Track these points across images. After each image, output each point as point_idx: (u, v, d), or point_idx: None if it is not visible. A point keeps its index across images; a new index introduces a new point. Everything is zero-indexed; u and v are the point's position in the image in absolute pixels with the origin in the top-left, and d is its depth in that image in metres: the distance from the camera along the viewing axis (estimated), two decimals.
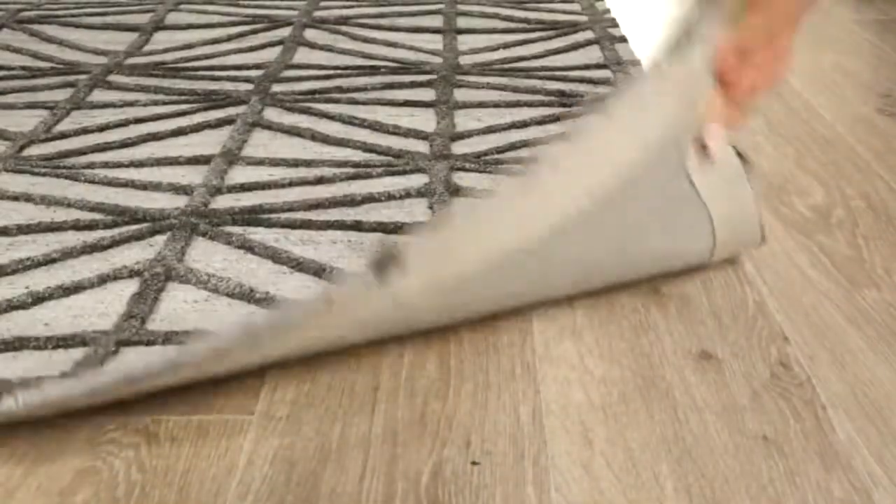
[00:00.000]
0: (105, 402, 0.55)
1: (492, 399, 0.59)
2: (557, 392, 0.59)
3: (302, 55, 1.16)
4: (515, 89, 1.04)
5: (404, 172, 0.86)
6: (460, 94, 1.04)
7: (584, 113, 0.57)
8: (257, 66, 1.12)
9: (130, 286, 0.70)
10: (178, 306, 0.67)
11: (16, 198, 0.82)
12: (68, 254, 0.74)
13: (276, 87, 1.06)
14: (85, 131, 0.96)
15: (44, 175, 0.86)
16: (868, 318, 0.67)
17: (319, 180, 0.85)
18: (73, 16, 1.33)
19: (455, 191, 0.82)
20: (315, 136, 0.93)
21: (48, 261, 0.73)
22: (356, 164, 0.88)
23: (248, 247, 0.74)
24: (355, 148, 0.91)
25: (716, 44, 0.63)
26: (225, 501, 0.52)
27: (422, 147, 0.91)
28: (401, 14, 1.32)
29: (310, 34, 1.24)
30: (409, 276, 0.53)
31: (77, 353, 0.62)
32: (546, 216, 0.58)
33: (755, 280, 0.71)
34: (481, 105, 1.01)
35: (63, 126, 0.97)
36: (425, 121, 0.97)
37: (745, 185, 0.69)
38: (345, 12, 1.33)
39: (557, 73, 1.09)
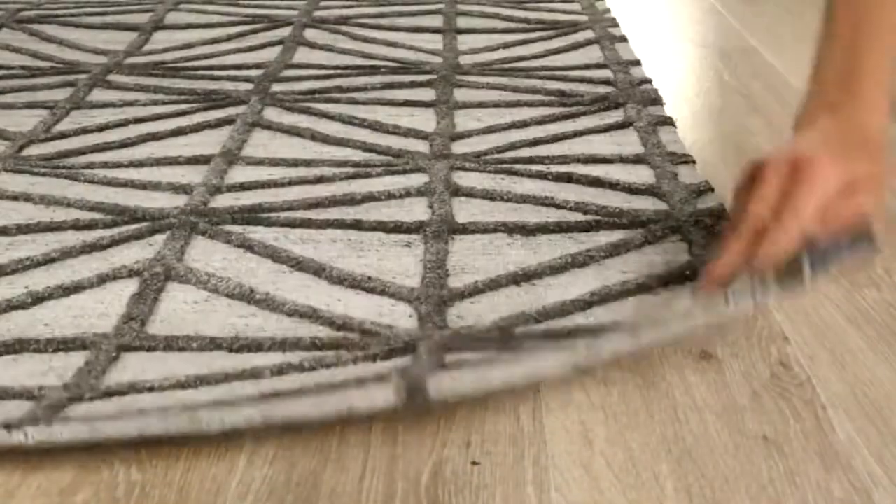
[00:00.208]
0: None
1: (492, 399, 0.59)
2: (557, 392, 0.59)
3: (302, 55, 1.16)
4: (515, 89, 1.04)
5: (404, 172, 0.86)
6: (460, 94, 1.03)
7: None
8: (257, 66, 1.12)
9: (130, 286, 0.70)
10: (177, 307, 0.67)
11: (15, 197, 0.82)
12: (68, 253, 0.74)
13: (276, 87, 1.06)
14: (84, 131, 0.96)
15: (43, 175, 0.86)
16: (868, 318, 0.67)
17: (319, 179, 0.85)
18: (72, 15, 1.33)
19: (455, 190, 0.82)
20: (315, 136, 0.93)
21: (48, 260, 0.73)
22: (356, 164, 0.88)
23: (247, 246, 0.74)
24: (355, 147, 0.91)
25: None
26: (225, 501, 0.52)
27: (422, 147, 0.91)
28: (401, 14, 1.32)
29: (310, 34, 1.24)
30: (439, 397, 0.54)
31: (77, 358, 0.61)
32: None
33: None
34: (481, 105, 1.00)
35: (63, 126, 0.97)
36: (425, 121, 0.97)
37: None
38: (345, 12, 1.33)
39: (557, 73, 1.09)
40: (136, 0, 1.40)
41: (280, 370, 0.59)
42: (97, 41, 1.22)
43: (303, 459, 0.54)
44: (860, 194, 0.62)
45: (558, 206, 0.79)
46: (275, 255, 0.73)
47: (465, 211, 0.79)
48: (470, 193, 0.82)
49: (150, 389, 0.58)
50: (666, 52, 1.21)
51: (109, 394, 0.57)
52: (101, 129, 0.96)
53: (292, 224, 0.77)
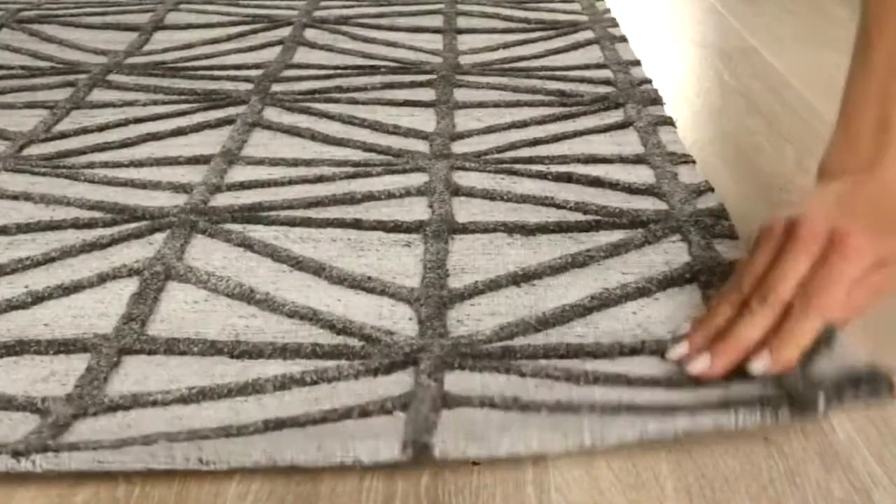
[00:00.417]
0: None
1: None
2: None
3: (302, 55, 1.16)
4: (515, 89, 1.04)
5: (404, 171, 0.86)
6: (460, 94, 1.03)
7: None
8: (257, 66, 1.12)
9: (130, 285, 0.70)
10: (177, 307, 0.67)
11: (15, 197, 0.82)
12: (67, 252, 0.74)
13: (276, 87, 1.06)
14: (84, 131, 0.96)
15: (43, 174, 0.86)
16: (868, 317, 0.67)
17: (319, 179, 0.85)
18: (72, 15, 1.33)
19: (455, 190, 0.82)
20: (315, 136, 0.93)
21: (47, 260, 0.73)
22: (356, 164, 0.88)
23: (247, 244, 0.74)
24: (355, 147, 0.91)
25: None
26: (225, 501, 0.52)
27: (422, 146, 0.91)
28: (401, 14, 1.32)
29: (310, 34, 1.24)
30: None
31: (78, 362, 0.61)
32: None
33: None
34: (481, 105, 1.00)
35: (63, 126, 0.97)
36: (425, 120, 0.97)
37: None
38: (345, 12, 1.33)
39: (557, 73, 1.09)
40: (137, 0, 1.40)
41: (283, 384, 0.59)
42: (97, 41, 1.22)
43: None
44: (884, 275, 0.57)
45: (558, 206, 0.79)
46: (275, 255, 0.73)
47: (465, 211, 0.79)
48: (470, 193, 0.82)
49: (154, 404, 0.58)
50: (666, 52, 1.21)
51: (113, 408, 0.57)
52: (101, 129, 0.96)
53: (292, 223, 0.77)
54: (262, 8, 1.36)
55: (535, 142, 0.91)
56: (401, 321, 0.66)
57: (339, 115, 0.98)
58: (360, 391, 0.58)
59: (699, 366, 0.54)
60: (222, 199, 0.82)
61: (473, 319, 0.66)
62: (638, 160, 0.87)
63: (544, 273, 0.70)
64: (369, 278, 0.70)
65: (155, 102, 1.02)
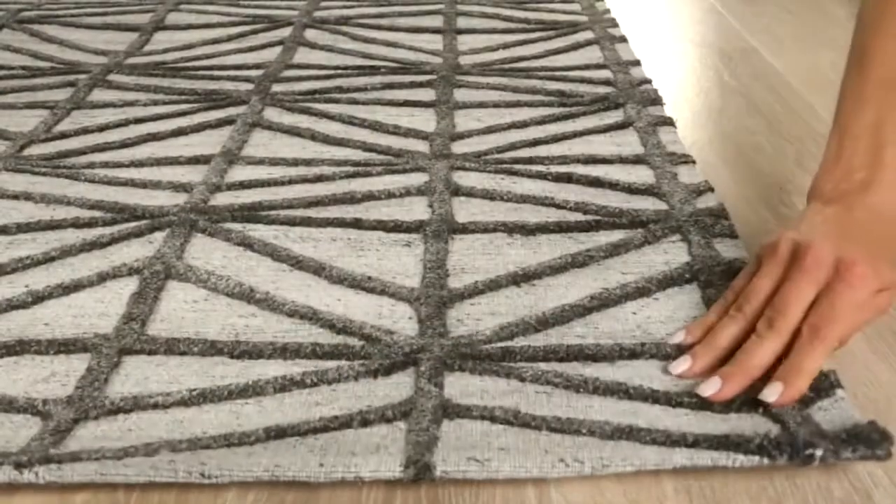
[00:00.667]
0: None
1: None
2: None
3: (302, 55, 1.16)
4: (515, 89, 1.04)
5: (404, 171, 0.86)
6: (460, 94, 1.03)
7: None
8: (257, 66, 1.12)
9: (130, 285, 0.70)
10: (177, 306, 0.67)
11: (15, 197, 0.82)
12: (68, 252, 0.74)
13: (276, 87, 1.06)
14: (85, 131, 0.96)
15: (44, 174, 0.86)
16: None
17: (319, 178, 0.85)
18: (73, 16, 1.33)
19: (455, 190, 0.82)
20: (315, 136, 0.93)
21: (48, 259, 0.73)
22: (356, 163, 0.88)
23: (247, 244, 0.74)
24: (355, 147, 0.91)
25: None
26: (225, 501, 0.52)
27: (422, 146, 0.91)
28: (401, 14, 1.32)
29: (310, 34, 1.24)
30: None
31: (79, 362, 0.61)
32: None
33: None
34: (481, 105, 1.00)
35: (63, 126, 0.97)
36: (425, 121, 0.97)
37: None
38: (345, 12, 1.33)
39: (557, 73, 1.09)
40: (137, 0, 1.40)
41: (283, 387, 0.59)
42: (98, 41, 1.22)
43: None
44: (884, 298, 0.58)
45: (558, 206, 0.79)
46: (274, 254, 0.73)
47: (465, 211, 0.79)
48: (470, 193, 0.82)
49: (154, 406, 0.57)
50: (666, 52, 1.21)
51: (114, 411, 0.57)
52: (102, 129, 0.96)
53: (292, 222, 0.77)
54: (262, 8, 1.36)
55: (535, 142, 0.91)
56: (401, 321, 0.66)
57: (339, 116, 0.98)
58: (361, 393, 0.58)
59: (710, 389, 0.55)
60: (222, 199, 0.82)
61: (473, 319, 0.66)
62: (638, 160, 0.87)
63: (544, 273, 0.70)
64: (369, 278, 0.70)
65: (155, 102, 1.03)
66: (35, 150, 0.92)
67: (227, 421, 0.56)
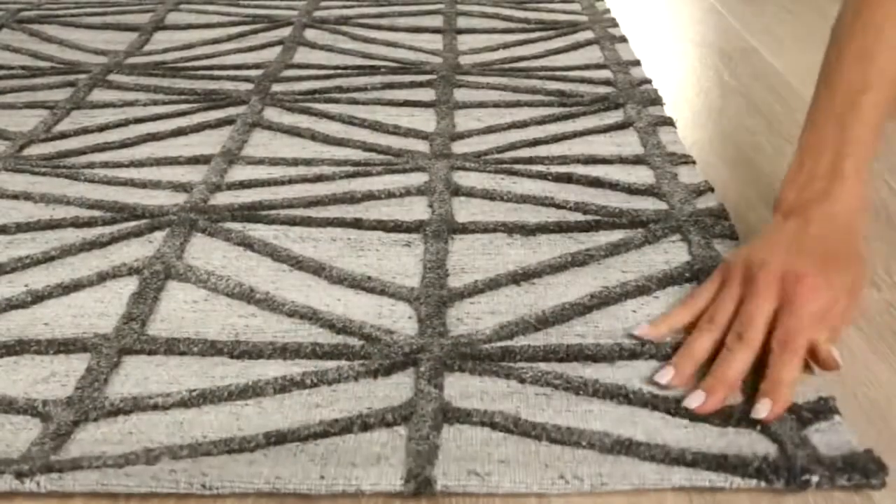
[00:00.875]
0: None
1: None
2: None
3: (302, 55, 1.16)
4: (515, 89, 1.04)
5: (404, 171, 0.86)
6: (460, 94, 1.03)
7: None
8: (257, 66, 1.12)
9: (130, 284, 0.70)
10: (177, 306, 0.67)
11: (15, 196, 0.82)
12: (67, 251, 0.74)
13: (276, 87, 1.06)
14: (85, 131, 0.96)
15: (43, 174, 0.86)
16: (868, 318, 0.67)
17: (319, 178, 0.85)
18: (73, 16, 1.33)
19: (455, 190, 0.82)
20: (315, 136, 0.93)
21: (47, 259, 0.73)
22: (356, 163, 0.88)
23: (247, 243, 0.74)
24: (355, 147, 0.91)
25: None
26: (225, 501, 0.52)
27: (422, 146, 0.91)
28: (401, 14, 1.32)
29: (310, 34, 1.24)
30: None
31: (78, 362, 0.61)
32: None
33: None
34: (481, 105, 1.00)
35: (63, 126, 0.97)
36: (425, 121, 0.97)
37: None
38: (345, 12, 1.33)
39: (557, 73, 1.09)
40: (137, 0, 1.40)
41: (283, 387, 0.59)
42: (97, 41, 1.22)
43: None
44: (841, 308, 0.60)
45: (558, 206, 0.79)
46: (274, 254, 0.73)
47: (465, 210, 0.79)
48: (470, 193, 0.82)
49: (154, 408, 0.57)
50: (666, 52, 1.21)
51: (114, 412, 0.57)
52: (102, 129, 0.96)
53: (292, 222, 0.77)
54: (262, 8, 1.36)
55: (535, 142, 0.91)
56: (400, 320, 0.65)
57: (339, 116, 0.98)
58: (361, 394, 0.58)
59: (695, 402, 0.56)
60: (222, 198, 0.82)
61: (473, 318, 0.66)
62: (638, 160, 0.87)
63: (544, 272, 0.70)
64: (369, 278, 0.70)
65: (155, 102, 1.02)
66: (35, 150, 0.92)
67: (227, 423, 0.56)
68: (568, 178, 0.84)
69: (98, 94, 1.05)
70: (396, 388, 0.59)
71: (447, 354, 0.61)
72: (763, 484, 0.52)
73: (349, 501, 0.52)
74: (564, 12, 1.32)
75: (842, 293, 0.61)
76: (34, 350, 0.63)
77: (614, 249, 0.73)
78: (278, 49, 1.18)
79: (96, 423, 0.56)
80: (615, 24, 1.26)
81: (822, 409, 0.56)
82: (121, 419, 0.57)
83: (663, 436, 0.55)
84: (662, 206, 0.79)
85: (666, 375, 0.59)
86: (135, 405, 0.57)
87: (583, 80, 1.06)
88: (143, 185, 0.84)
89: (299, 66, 1.12)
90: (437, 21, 1.29)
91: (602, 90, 1.04)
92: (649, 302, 0.67)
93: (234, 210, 0.79)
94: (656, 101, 1.00)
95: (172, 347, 0.63)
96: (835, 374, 0.61)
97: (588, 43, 1.19)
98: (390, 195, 0.81)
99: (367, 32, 1.25)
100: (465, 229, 0.76)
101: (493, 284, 0.69)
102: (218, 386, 0.59)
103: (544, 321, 0.64)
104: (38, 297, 0.68)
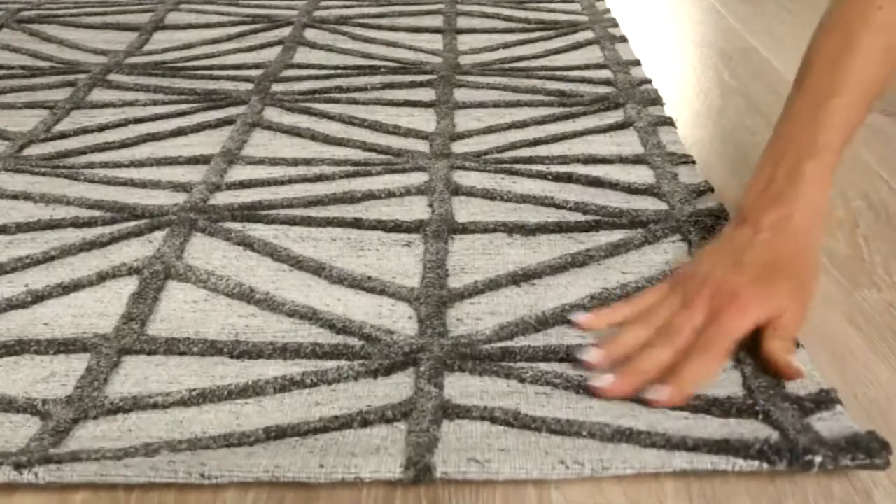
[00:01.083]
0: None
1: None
2: None
3: (302, 55, 1.16)
4: (515, 89, 1.04)
5: (404, 170, 0.86)
6: (460, 94, 1.03)
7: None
8: (257, 66, 1.12)
9: (130, 284, 0.70)
10: (177, 306, 0.67)
11: (15, 196, 0.82)
12: (67, 251, 0.74)
13: (276, 87, 1.06)
14: (84, 131, 0.96)
15: (43, 174, 0.86)
16: (868, 318, 0.67)
17: (319, 178, 0.85)
18: (72, 15, 1.33)
19: (455, 189, 0.82)
20: (315, 136, 0.93)
21: (47, 258, 0.73)
22: (356, 163, 0.88)
23: (247, 243, 0.74)
24: (355, 147, 0.91)
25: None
26: (225, 501, 0.52)
27: (422, 146, 0.91)
28: (401, 14, 1.32)
29: (310, 34, 1.24)
30: None
31: (78, 362, 0.61)
32: None
33: None
34: (481, 105, 1.00)
35: (63, 126, 0.97)
36: (425, 121, 0.97)
37: None
38: (345, 12, 1.33)
39: (557, 73, 1.09)
40: (137, 0, 1.40)
41: (283, 387, 0.59)
42: (97, 41, 1.22)
43: None
44: (783, 326, 0.61)
45: (558, 206, 0.79)
46: (274, 254, 0.73)
47: (465, 210, 0.79)
48: (470, 193, 0.82)
49: (154, 406, 0.57)
50: (666, 52, 1.21)
51: (113, 411, 0.57)
52: (101, 129, 0.96)
53: (292, 222, 0.77)
54: (262, 8, 1.36)
55: (535, 142, 0.91)
56: (400, 320, 0.65)
57: (339, 115, 0.98)
58: (361, 394, 0.58)
59: (602, 383, 0.58)
60: (222, 198, 0.82)
61: (473, 318, 0.66)
62: (638, 160, 0.87)
63: (544, 273, 0.70)
64: (369, 278, 0.70)
65: (155, 102, 1.02)
66: (35, 150, 0.92)
67: (226, 421, 0.56)
68: (568, 178, 0.84)
69: (98, 94, 1.05)
70: (396, 388, 0.59)
71: (447, 354, 0.61)
72: (766, 466, 0.52)
73: (349, 491, 0.52)
74: (564, 12, 1.32)
75: (787, 302, 0.61)
76: (34, 350, 0.63)
77: (614, 250, 0.73)
78: (278, 49, 1.18)
79: (95, 421, 0.56)
80: (615, 24, 1.26)
81: (824, 400, 0.56)
82: (120, 417, 0.57)
83: (664, 425, 0.55)
84: (662, 206, 0.79)
85: (589, 353, 0.60)
86: (134, 404, 0.57)
87: (583, 80, 1.06)
88: (143, 185, 0.84)
89: (299, 66, 1.12)
90: (437, 21, 1.29)
91: (602, 90, 1.04)
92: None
93: (233, 210, 0.79)
94: (656, 101, 1.00)
95: (172, 347, 0.63)
96: (835, 374, 0.61)
97: (588, 43, 1.19)
98: (390, 195, 0.81)
99: (367, 32, 1.25)
100: (465, 229, 0.76)
101: (493, 285, 0.69)
102: (218, 385, 0.59)
103: (544, 322, 0.64)
104: (38, 297, 0.68)
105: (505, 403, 0.57)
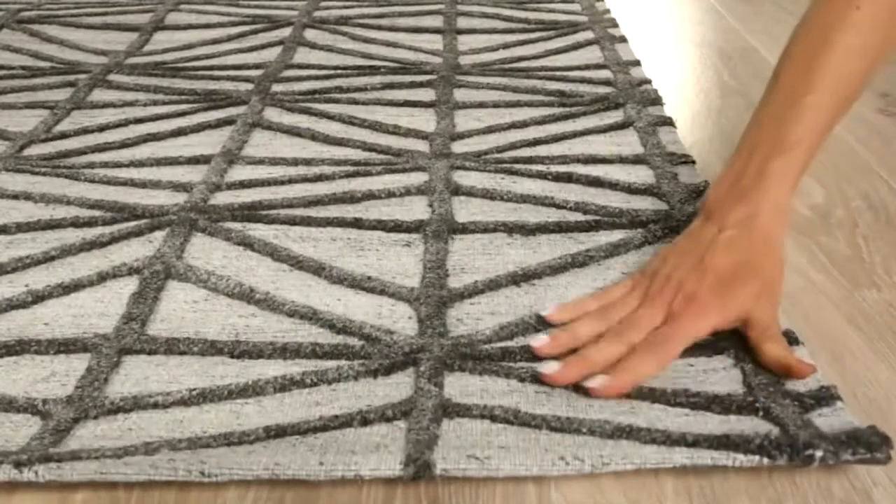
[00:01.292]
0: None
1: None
2: None
3: (302, 55, 1.16)
4: (515, 89, 1.04)
5: (404, 170, 0.86)
6: (460, 94, 1.03)
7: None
8: (257, 66, 1.12)
9: (130, 284, 0.70)
10: (177, 306, 0.67)
11: (15, 196, 0.82)
12: (67, 251, 0.74)
13: (276, 87, 1.06)
14: (85, 131, 0.96)
15: (44, 174, 0.86)
16: (868, 318, 0.67)
17: (319, 178, 0.85)
18: (73, 16, 1.33)
19: (455, 189, 0.82)
20: (315, 136, 0.93)
21: (47, 258, 0.73)
22: (356, 163, 0.88)
23: (247, 243, 0.74)
24: (355, 147, 0.91)
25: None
26: (225, 501, 0.52)
27: (422, 146, 0.91)
28: (401, 14, 1.32)
29: (310, 34, 1.24)
30: None
31: (79, 362, 0.61)
32: None
33: None
34: (481, 105, 1.00)
35: (63, 126, 0.97)
36: (425, 121, 0.97)
37: None
38: (345, 12, 1.33)
39: (557, 73, 1.09)
40: (137, 0, 1.40)
41: (283, 386, 0.59)
42: (98, 41, 1.22)
43: None
44: (767, 336, 0.61)
45: (558, 206, 0.79)
46: (274, 254, 0.73)
47: (464, 210, 0.79)
48: (470, 193, 0.82)
49: (154, 406, 0.58)
50: (666, 52, 1.21)
51: (114, 411, 0.57)
52: (102, 129, 0.96)
53: (292, 222, 0.77)
54: (262, 8, 1.36)
55: (535, 142, 0.91)
56: (400, 320, 0.66)
57: (339, 116, 0.98)
58: (361, 393, 0.58)
59: (548, 370, 0.59)
60: (222, 198, 0.82)
61: (473, 318, 0.66)
62: (638, 160, 0.87)
63: (544, 273, 0.70)
64: (369, 278, 0.70)
65: (155, 103, 1.02)
66: (35, 150, 0.92)
67: (226, 420, 0.56)
68: (568, 178, 0.84)
69: (98, 95, 1.05)
70: (396, 388, 0.59)
71: (447, 354, 0.61)
72: (766, 461, 0.52)
73: (348, 491, 0.52)
74: (564, 12, 1.32)
75: (750, 305, 0.61)
76: (34, 350, 0.63)
77: (614, 250, 0.73)
78: (278, 49, 1.18)
79: (96, 421, 0.57)
80: (615, 25, 1.26)
81: (825, 396, 0.57)
82: (120, 417, 0.57)
83: (664, 422, 0.55)
84: (662, 206, 0.79)
85: (540, 341, 0.61)
86: (135, 403, 0.58)
87: (583, 80, 1.06)
88: (144, 185, 0.84)
89: (299, 67, 1.12)
90: (437, 21, 1.29)
91: (602, 90, 1.04)
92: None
93: (234, 210, 0.79)
94: (656, 101, 1.00)
95: (172, 347, 0.63)
96: (835, 374, 0.61)
97: (588, 43, 1.19)
98: (390, 195, 0.82)
99: (367, 32, 1.25)
100: (465, 229, 0.76)
101: (493, 285, 0.69)
102: (218, 385, 0.59)
103: (544, 322, 0.64)
104: (38, 297, 0.68)
105: (505, 402, 0.57)
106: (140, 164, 0.88)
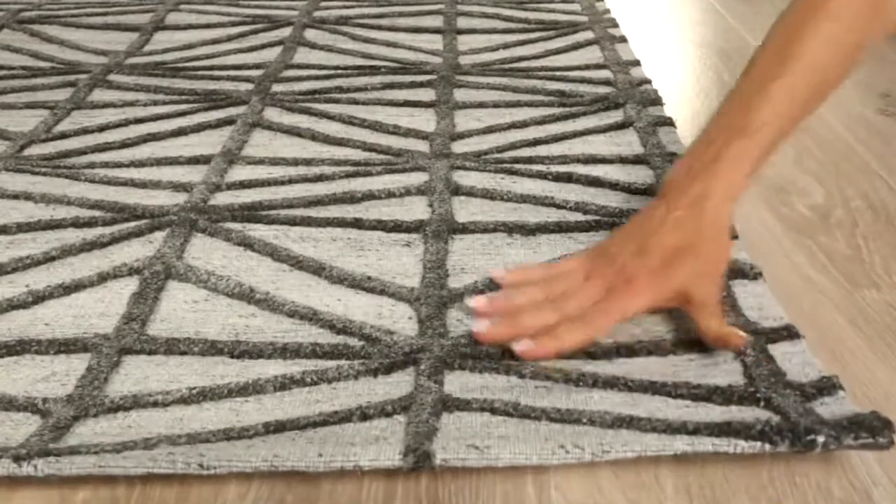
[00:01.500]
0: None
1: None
2: None
3: (302, 55, 1.16)
4: (515, 89, 1.04)
5: (404, 170, 0.86)
6: (460, 94, 1.03)
7: None
8: (257, 66, 1.12)
9: (130, 284, 0.70)
10: (177, 307, 0.67)
11: (15, 196, 0.82)
12: (68, 251, 0.74)
13: (276, 87, 1.06)
14: (85, 131, 0.96)
15: (44, 174, 0.86)
16: (868, 318, 0.67)
17: (319, 178, 0.85)
18: (73, 16, 1.33)
19: (455, 189, 0.82)
20: (315, 136, 0.93)
21: (48, 259, 0.73)
22: (356, 163, 0.88)
23: (247, 243, 0.74)
24: (355, 147, 0.91)
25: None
26: (225, 501, 0.52)
27: (422, 146, 0.91)
28: (401, 14, 1.32)
29: (310, 34, 1.24)
30: None
31: (79, 362, 0.62)
32: None
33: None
34: (481, 105, 1.00)
35: (63, 126, 0.97)
36: (425, 121, 0.97)
37: None
38: (345, 12, 1.33)
39: (557, 73, 1.09)
40: (137, 0, 1.40)
41: (283, 385, 0.59)
42: (98, 41, 1.22)
43: None
44: (708, 313, 0.62)
45: (558, 206, 0.80)
46: (274, 254, 0.73)
47: (464, 210, 0.79)
48: (470, 193, 0.82)
49: (154, 405, 0.58)
50: (666, 52, 1.21)
51: (113, 409, 0.57)
52: (102, 129, 0.96)
53: (292, 222, 0.77)
54: (262, 8, 1.36)
55: (535, 142, 0.91)
56: (400, 321, 0.66)
57: (339, 116, 0.98)
58: (360, 391, 0.58)
59: (477, 327, 0.61)
60: (222, 198, 0.82)
61: (473, 318, 0.66)
62: (638, 160, 0.87)
63: None
64: (369, 278, 0.70)
65: (155, 103, 1.02)
66: (35, 150, 0.92)
67: (226, 418, 0.56)
68: (568, 178, 0.84)
69: (98, 95, 1.05)
70: (396, 386, 0.59)
71: (447, 354, 0.61)
72: (768, 447, 0.52)
73: (349, 480, 0.52)
74: (564, 12, 1.31)
75: (687, 285, 0.62)
76: (35, 350, 0.63)
77: None
78: (278, 49, 1.18)
79: (95, 419, 0.57)
80: (615, 25, 1.26)
81: (826, 386, 0.57)
82: (120, 415, 0.57)
83: (665, 412, 0.55)
84: None
85: (477, 301, 0.64)
86: (135, 402, 0.58)
87: (583, 80, 1.06)
88: (144, 185, 0.84)
89: (299, 67, 1.12)
90: (437, 21, 1.29)
91: (602, 90, 1.04)
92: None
93: (234, 210, 0.79)
94: (656, 101, 1.00)
95: (172, 347, 0.63)
96: (835, 374, 0.61)
97: (588, 43, 1.19)
98: (390, 195, 0.82)
99: (367, 32, 1.25)
100: (465, 229, 0.76)
101: (494, 285, 0.69)
102: (218, 384, 0.59)
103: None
104: (38, 298, 0.68)
105: (505, 397, 0.57)
106: (140, 164, 0.88)
